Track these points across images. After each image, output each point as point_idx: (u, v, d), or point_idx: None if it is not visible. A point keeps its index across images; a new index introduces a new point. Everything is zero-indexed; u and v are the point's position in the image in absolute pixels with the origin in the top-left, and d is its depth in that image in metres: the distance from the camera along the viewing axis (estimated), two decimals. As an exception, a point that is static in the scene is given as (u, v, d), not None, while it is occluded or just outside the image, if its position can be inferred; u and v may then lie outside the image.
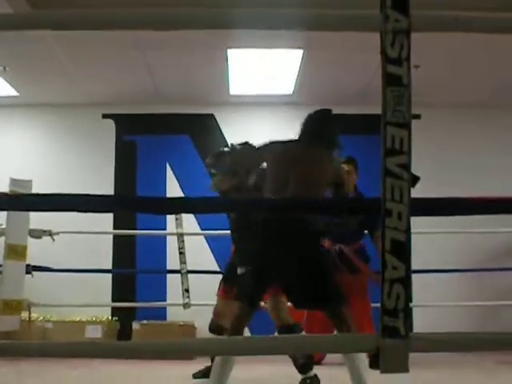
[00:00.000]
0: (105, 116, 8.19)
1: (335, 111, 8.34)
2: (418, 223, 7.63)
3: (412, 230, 6.85)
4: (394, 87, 1.98)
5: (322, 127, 4.40)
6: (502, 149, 8.18)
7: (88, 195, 2.28)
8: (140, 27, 2.52)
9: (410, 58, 1.99)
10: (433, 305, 7.49)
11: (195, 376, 5.17)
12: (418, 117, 8.09)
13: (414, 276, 7.66)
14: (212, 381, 3.78)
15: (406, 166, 1.93)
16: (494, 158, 8.15)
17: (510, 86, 7.45)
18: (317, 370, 5.83)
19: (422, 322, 7.58)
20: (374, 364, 1.89)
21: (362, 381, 3.57)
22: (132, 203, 2.74)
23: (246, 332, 7.45)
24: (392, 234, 1.90)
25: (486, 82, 7.42)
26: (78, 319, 7.16)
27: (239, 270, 4.68)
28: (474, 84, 7.48)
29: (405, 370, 1.86)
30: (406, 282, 1.90)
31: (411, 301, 7.55)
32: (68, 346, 2.06)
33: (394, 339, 1.86)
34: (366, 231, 6.14)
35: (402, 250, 1.90)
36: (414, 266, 6.87)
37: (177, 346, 2.11)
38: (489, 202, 2.16)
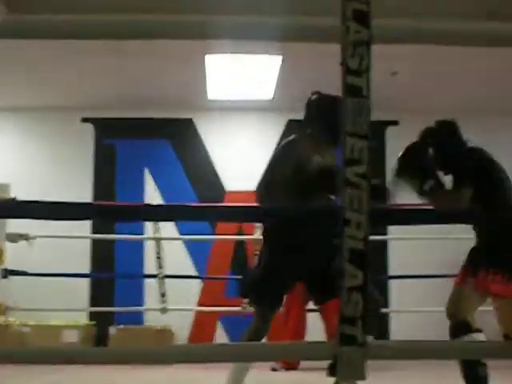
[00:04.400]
0: (84, 120, 8.18)
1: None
2: (399, 228, 7.63)
3: (392, 236, 6.83)
4: (354, 98, 2.01)
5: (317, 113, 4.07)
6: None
7: (66, 203, 2.27)
8: (118, 37, 2.51)
9: (370, 69, 2.02)
10: (411, 310, 7.52)
11: None
12: (395, 123, 8.16)
13: (392, 281, 7.70)
14: (233, 379, 3.65)
15: (365, 176, 1.95)
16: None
17: (485, 93, 7.51)
18: (292, 375, 5.88)
19: (400, 327, 7.65)
20: (332, 372, 1.91)
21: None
22: (110, 212, 2.74)
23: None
24: (350, 243, 1.92)
25: (463, 88, 7.45)
26: (54, 324, 7.14)
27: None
28: (451, 90, 7.51)
29: (362, 377, 1.88)
30: (364, 290, 1.92)
31: (388, 306, 7.65)
32: (44, 351, 2.06)
33: (351, 347, 1.88)
34: None
35: (361, 258, 1.93)
36: (392, 272, 6.90)
37: (156, 353, 2.12)
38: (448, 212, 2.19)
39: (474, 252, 3.94)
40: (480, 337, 3.52)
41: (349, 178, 1.95)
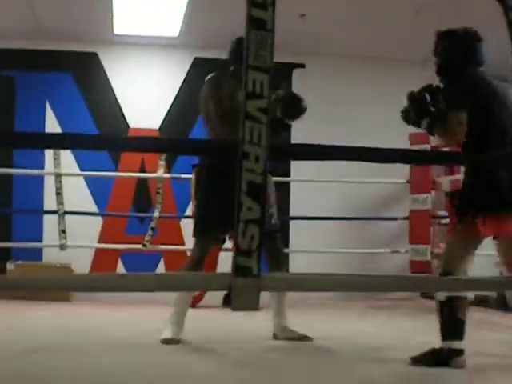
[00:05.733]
0: (-18, 50, 7.82)
1: (220, 55, 8.30)
2: (306, 171, 7.71)
3: (295, 178, 6.94)
4: (258, 31, 1.99)
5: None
6: (384, 100, 8.15)
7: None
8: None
9: (275, 2, 2.01)
10: (310, 251, 7.68)
11: None
12: (302, 66, 8.19)
13: (294, 222, 7.81)
14: (174, 319, 4.18)
15: (266, 110, 1.96)
16: (377, 109, 8.18)
17: (397, 39, 7.51)
18: (195, 313, 5.93)
19: (299, 266, 7.79)
20: (226, 302, 1.93)
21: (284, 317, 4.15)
22: (8, 138, 2.64)
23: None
24: (249, 176, 1.93)
25: (373, 34, 7.44)
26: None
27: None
28: (362, 35, 7.49)
29: (255, 308, 1.92)
30: (261, 223, 1.94)
31: (288, 246, 7.78)
32: None
33: (246, 278, 1.91)
34: None
35: (258, 191, 1.94)
36: (295, 213, 6.98)
37: (53, 281, 2.09)
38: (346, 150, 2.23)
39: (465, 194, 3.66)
40: None
41: (249, 112, 1.95)
